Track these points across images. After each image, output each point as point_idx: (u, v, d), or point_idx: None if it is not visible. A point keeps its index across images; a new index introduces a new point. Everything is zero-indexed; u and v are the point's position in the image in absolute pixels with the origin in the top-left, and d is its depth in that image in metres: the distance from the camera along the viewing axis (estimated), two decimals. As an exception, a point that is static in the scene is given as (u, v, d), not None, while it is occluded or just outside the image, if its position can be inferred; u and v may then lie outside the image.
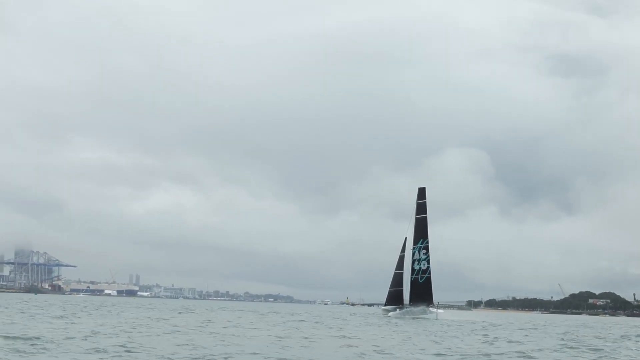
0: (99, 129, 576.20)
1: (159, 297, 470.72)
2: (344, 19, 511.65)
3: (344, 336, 47.71)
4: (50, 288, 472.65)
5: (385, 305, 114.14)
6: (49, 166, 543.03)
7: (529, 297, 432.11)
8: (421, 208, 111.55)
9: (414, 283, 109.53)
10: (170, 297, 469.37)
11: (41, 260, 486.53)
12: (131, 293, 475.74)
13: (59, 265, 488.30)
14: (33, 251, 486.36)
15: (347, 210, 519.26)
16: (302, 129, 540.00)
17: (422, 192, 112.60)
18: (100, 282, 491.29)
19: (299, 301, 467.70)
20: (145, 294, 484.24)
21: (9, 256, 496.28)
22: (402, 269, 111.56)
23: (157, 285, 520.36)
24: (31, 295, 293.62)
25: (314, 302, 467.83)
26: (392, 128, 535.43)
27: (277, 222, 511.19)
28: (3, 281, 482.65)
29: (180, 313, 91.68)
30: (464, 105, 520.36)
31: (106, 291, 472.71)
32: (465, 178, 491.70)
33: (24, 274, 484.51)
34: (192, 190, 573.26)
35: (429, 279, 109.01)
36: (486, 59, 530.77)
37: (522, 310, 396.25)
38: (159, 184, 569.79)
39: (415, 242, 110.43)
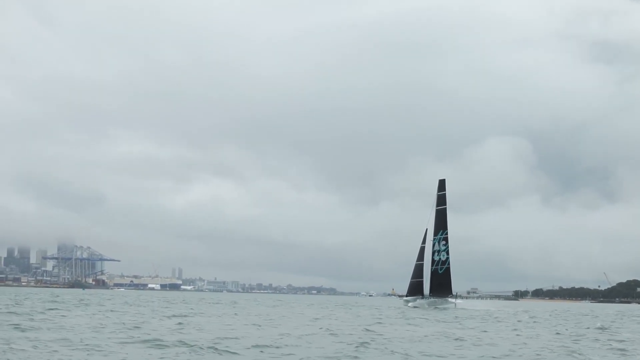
0: (140, 122, 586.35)
1: (202, 290, 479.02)
2: (384, 9, 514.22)
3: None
4: (94, 283, 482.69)
5: (406, 295, 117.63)
6: (90, 160, 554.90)
7: (576, 287, 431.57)
8: (441, 200, 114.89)
9: (433, 274, 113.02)
10: (214, 291, 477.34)
11: (84, 255, 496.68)
12: (174, 287, 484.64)
13: (102, 259, 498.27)
14: (77, 246, 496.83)
15: (388, 201, 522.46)
16: (343, 120, 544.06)
17: (442, 184, 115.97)
18: (143, 276, 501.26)
19: (342, 293, 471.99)
20: (188, 287, 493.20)
21: (52, 251, 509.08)
22: (423, 260, 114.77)
23: (200, 279, 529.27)
24: (78, 290, 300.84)
25: (358, 293, 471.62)
26: (433, 118, 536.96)
27: (318, 214, 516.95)
28: (47, 276, 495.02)
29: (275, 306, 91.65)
30: (505, 94, 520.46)
31: (150, 285, 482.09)
32: (506, 167, 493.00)
33: (67, 268, 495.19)
34: (233, 182, 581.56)
35: (448, 270, 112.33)
36: (527, 47, 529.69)
37: (569, 299, 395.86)
38: (200, 177, 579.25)
39: (436, 233, 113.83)
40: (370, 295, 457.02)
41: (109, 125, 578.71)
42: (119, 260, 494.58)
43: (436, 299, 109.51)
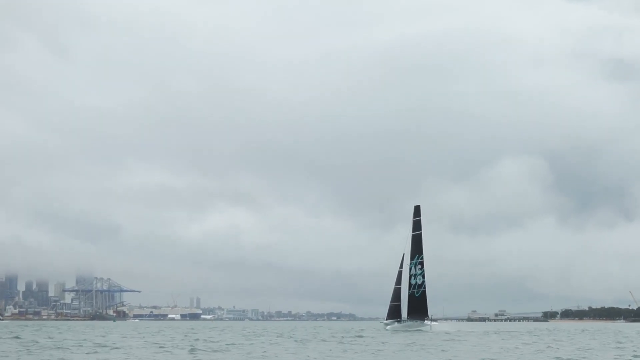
0: (156, 151, 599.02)
1: (222, 319, 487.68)
2: (398, 32, 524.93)
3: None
4: (114, 314, 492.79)
5: (386, 319, 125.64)
6: (106, 190, 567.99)
7: (606, 306, 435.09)
8: (417, 225, 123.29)
9: (410, 297, 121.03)
10: (234, 319, 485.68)
11: (104, 287, 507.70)
12: (194, 317, 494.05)
13: (122, 290, 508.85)
14: (96, 278, 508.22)
15: (405, 224, 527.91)
16: (358, 144, 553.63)
17: (417, 210, 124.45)
18: (162, 307, 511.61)
19: (362, 318, 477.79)
20: (208, 316, 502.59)
21: (70, 283, 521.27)
22: (400, 284, 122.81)
23: (220, 308, 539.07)
24: (108, 322, 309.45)
25: (377, 319, 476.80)
26: (448, 140, 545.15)
27: (335, 239, 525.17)
28: (66, 309, 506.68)
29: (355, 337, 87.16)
30: (520, 114, 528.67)
31: (170, 315, 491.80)
32: (523, 188, 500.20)
33: (87, 300, 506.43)
34: (248, 210, 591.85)
35: (424, 293, 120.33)
36: (541, 67, 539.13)
37: (600, 319, 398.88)
38: (216, 205, 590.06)
39: (412, 258, 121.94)
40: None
41: (124, 155, 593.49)
42: (139, 291, 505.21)
43: (412, 322, 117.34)
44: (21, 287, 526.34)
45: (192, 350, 54.76)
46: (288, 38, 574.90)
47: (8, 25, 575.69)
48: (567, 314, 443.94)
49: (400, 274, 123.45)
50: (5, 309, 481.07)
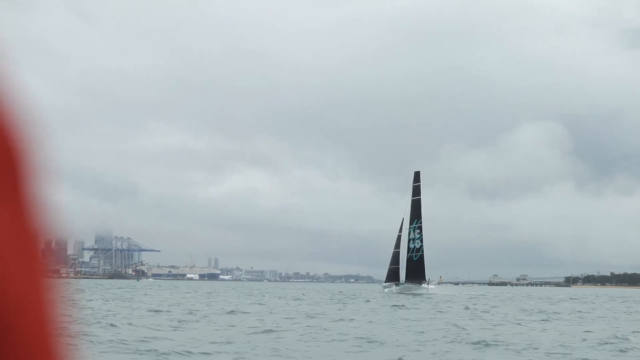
0: (175, 113, 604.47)
1: (240, 280, 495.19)
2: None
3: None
4: (133, 273, 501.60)
5: (385, 281, 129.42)
6: (125, 151, 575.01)
7: (628, 272, 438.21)
8: (416, 190, 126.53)
9: (409, 261, 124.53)
10: (252, 280, 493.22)
11: (124, 246, 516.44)
12: (213, 277, 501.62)
13: (141, 250, 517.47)
14: (117, 237, 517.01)
15: (423, 188, 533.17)
16: (377, 109, 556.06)
17: (417, 176, 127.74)
18: (180, 267, 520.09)
19: (379, 281, 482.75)
20: (226, 277, 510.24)
21: (89, 242, 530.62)
22: (399, 248, 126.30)
23: (238, 269, 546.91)
24: (131, 281, 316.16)
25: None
26: (467, 105, 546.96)
27: (352, 203, 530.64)
28: (85, 267, 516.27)
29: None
30: (540, 81, 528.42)
31: (188, 275, 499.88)
32: (541, 153, 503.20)
33: (106, 259, 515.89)
34: (266, 172, 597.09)
35: (422, 257, 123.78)
36: (562, 34, 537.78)
37: (624, 286, 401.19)
38: (235, 167, 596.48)
39: (411, 222, 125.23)
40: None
41: (144, 117, 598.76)
42: (159, 251, 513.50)
43: (409, 285, 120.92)
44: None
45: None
46: (309, 3, 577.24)
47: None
48: (589, 280, 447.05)
49: (399, 237, 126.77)
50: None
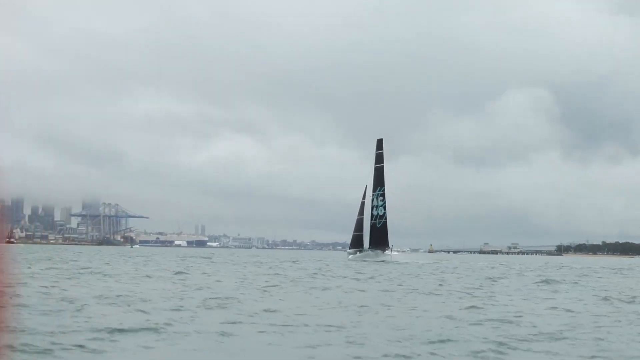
0: (162, 79, 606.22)
1: (228, 247, 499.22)
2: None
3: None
4: (122, 240, 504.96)
5: (349, 248, 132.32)
6: (111, 116, 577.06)
7: (620, 241, 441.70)
8: (379, 158, 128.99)
9: (372, 227, 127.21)
10: (240, 247, 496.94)
11: (111, 212, 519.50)
12: (201, 244, 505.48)
13: (129, 216, 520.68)
14: (104, 203, 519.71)
15: (409, 156, 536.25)
16: (363, 75, 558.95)
17: (380, 143, 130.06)
18: (167, 233, 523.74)
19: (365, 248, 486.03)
20: (214, 244, 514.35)
21: (76, 208, 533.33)
22: (363, 215, 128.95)
23: (225, 236, 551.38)
24: (124, 248, 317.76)
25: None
26: (454, 71, 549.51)
27: (339, 170, 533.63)
28: (73, 234, 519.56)
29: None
30: (527, 47, 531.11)
31: (176, 242, 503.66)
32: (528, 120, 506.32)
33: (94, 225, 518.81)
34: (253, 139, 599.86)
35: (385, 224, 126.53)
36: (551, 0, 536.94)
37: (613, 254, 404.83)
38: (221, 134, 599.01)
39: (374, 189, 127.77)
40: (403, 252, 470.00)
41: (130, 82, 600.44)
42: (147, 217, 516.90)
43: (372, 252, 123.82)
44: (27, 211, 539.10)
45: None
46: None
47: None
48: (581, 249, 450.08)
49: (362, 204, 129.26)
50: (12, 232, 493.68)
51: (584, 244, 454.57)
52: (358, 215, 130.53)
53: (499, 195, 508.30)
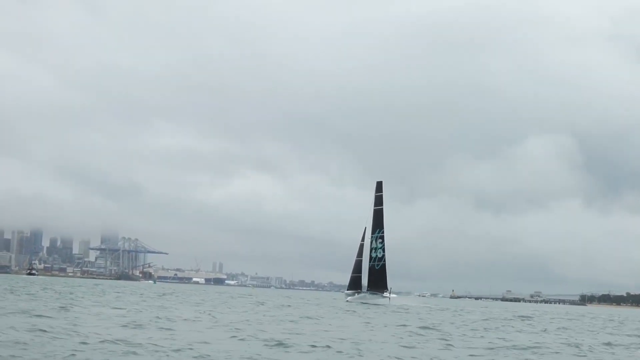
0: (183, 115, 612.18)
1: (246, 285, 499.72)
2: (431, 6, 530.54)
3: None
4: (140, 275, 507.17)
5: (347, 289, 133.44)
6: (131, 150, 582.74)
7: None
8: (378, 200, 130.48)
9: (371, 269, 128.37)
10: (258, 286, 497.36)
11: (131, 247, 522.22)
12: (219, 282, 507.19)
13: (148, 252, 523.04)
14: (124, 237, 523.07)
15: (427, 199, 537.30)
16: (385, 117, 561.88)
17: (379, 186, 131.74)
18: (185, 270, 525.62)
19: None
20: (232, 282, 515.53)
21: (94, 241, 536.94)
22: (362, 257, 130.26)
23: (243, 274, 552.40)
24: (148, 282, 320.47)
25: (410, 293, 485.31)
26: (475, 116, 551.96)
27: (358, 210, 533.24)
28: (91, 267, 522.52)
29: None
30: (550, 93, 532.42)
31: (194, 279, 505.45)
32: (549, 167, 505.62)
33: (113, 260, 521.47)
34: (272, 177, 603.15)
35: (384, 266, 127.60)
36: (574, 47, 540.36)
37: (638, 305, 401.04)
38: (240, 171, 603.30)
39: (373, 231, 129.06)
40: (423, 296, 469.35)
41: (152, 117, 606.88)
42: (166, 254, 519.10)
43: (370, 294, 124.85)
44: (45, 242, 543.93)
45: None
46: (321, 8, 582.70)
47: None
48: (605, 299, 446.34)
49: (361, 246, 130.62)
50: (30, 264, 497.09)
51: (608, 295, 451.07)
52: (357, 257, 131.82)
53: (519, 242, 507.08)
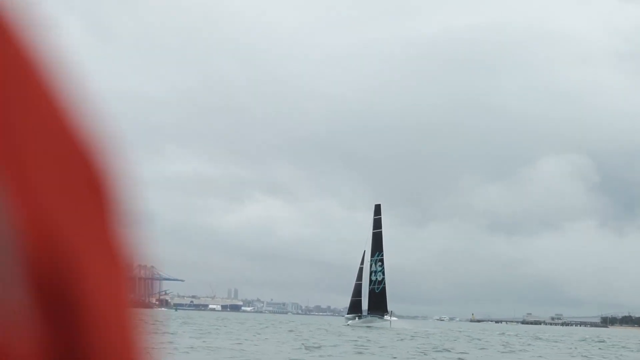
0: (193, 139, 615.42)
1: (262, 312, 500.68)
2: (438, 26, 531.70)
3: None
4: (157, 302, 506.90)
5: (347, 313, 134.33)
6: (141, 176, 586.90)
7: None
8: (377, 223, 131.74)
9: (371, 293, 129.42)
10: (274, 312, 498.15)
11: (146, 274, 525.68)
12: (235, 308, 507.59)
13: (164, 279, 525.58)
14: (139, 265, 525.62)
15: (438, 222, 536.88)
16: (395, 137, 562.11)
17: (377, 209, 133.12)
18: (200, 297, 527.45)
19: (401, 316, 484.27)
20: (248, 308, 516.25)
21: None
22: (361, 280, 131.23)
23: (259, 300, 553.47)
24: (171, 311, 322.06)
25: (426, 317, 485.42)
26: (486, 136, 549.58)
27: (369, 234, 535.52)
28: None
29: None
30: (562, 113, 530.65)
31: (210, 306, 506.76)
32: (562, 188, 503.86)
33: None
34: (284, 201, 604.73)
35: (384, 289, 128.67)
36: (586, 65, 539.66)
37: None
38: (252, 195, 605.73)
39: (372, 254, 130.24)
40: (442, 320, 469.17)
41: (161, 142, 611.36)
42: (182, 280, 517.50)
43: (371, 317, 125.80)
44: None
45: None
46: (330, 29, 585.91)
47: (48, 5, 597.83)
48: (627, 321, 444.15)
49: (361, 270, 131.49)
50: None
51: (630, 317, 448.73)
52: (356, 281, 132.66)
53: (534, 264, 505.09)
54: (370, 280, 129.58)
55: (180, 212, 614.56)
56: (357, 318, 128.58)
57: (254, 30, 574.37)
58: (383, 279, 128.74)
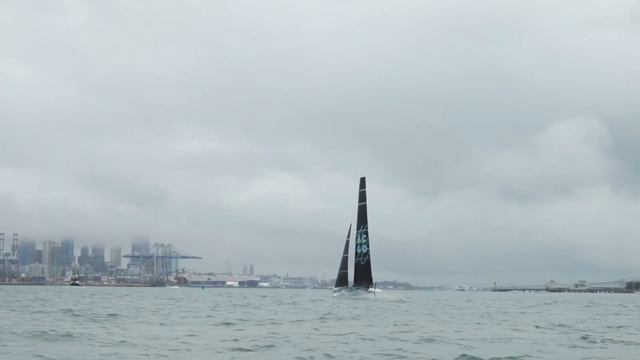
0: (204, 117, 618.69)
1: (279, 287, 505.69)
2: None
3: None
4: (175, 281, 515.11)
5: (335, 286, 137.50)
6: (154, 156, 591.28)
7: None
8: (362, 196, 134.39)
9: (356, 265, 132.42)
10: (291, 287, 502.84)
11: (164, 253, 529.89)
12: (252, 284, 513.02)
13: (181, 257, 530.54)
14: (157, 243, 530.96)
15: (451, 192, 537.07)
16: (406, 108, 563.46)
17: (362, 182, 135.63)
18: (217, 274, 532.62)
19: (418, 287, 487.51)
20: (265, 284, 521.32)
21: (125, 249, 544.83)
22: (347, 253, 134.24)
23: (275, 275, 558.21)
24: (195, 289, 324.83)
25: (449, 288, 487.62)
26: (498, 104, 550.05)
27: (381, 207, 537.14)
28: (125, 275, 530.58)
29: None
30: (574, 77, 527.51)
31: (228, 283, 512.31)
32: (576, 153, 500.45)
33: (147, 267, 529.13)
34: (296, 176, 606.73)
35: (368, 261, 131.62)
36: (598, 29, 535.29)
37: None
38: (264, 172, 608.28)
39: (358, 227, 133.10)
40: (462, 290, 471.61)
41: (173, 121, 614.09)
42: (200, 258, 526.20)
43: (356, 289, 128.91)
44: (77, 252, 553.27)
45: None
46: (336, 2, 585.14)
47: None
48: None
49: (347, 243, 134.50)
50: (64, 274, 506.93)
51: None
52: (343, 254, 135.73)
53: (549, 232, 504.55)
54: (356, 253, 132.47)
55: (194, 191, 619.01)
56: (343, 290, 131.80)
57: (260, 6, 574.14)
58: (368, 251, 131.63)
